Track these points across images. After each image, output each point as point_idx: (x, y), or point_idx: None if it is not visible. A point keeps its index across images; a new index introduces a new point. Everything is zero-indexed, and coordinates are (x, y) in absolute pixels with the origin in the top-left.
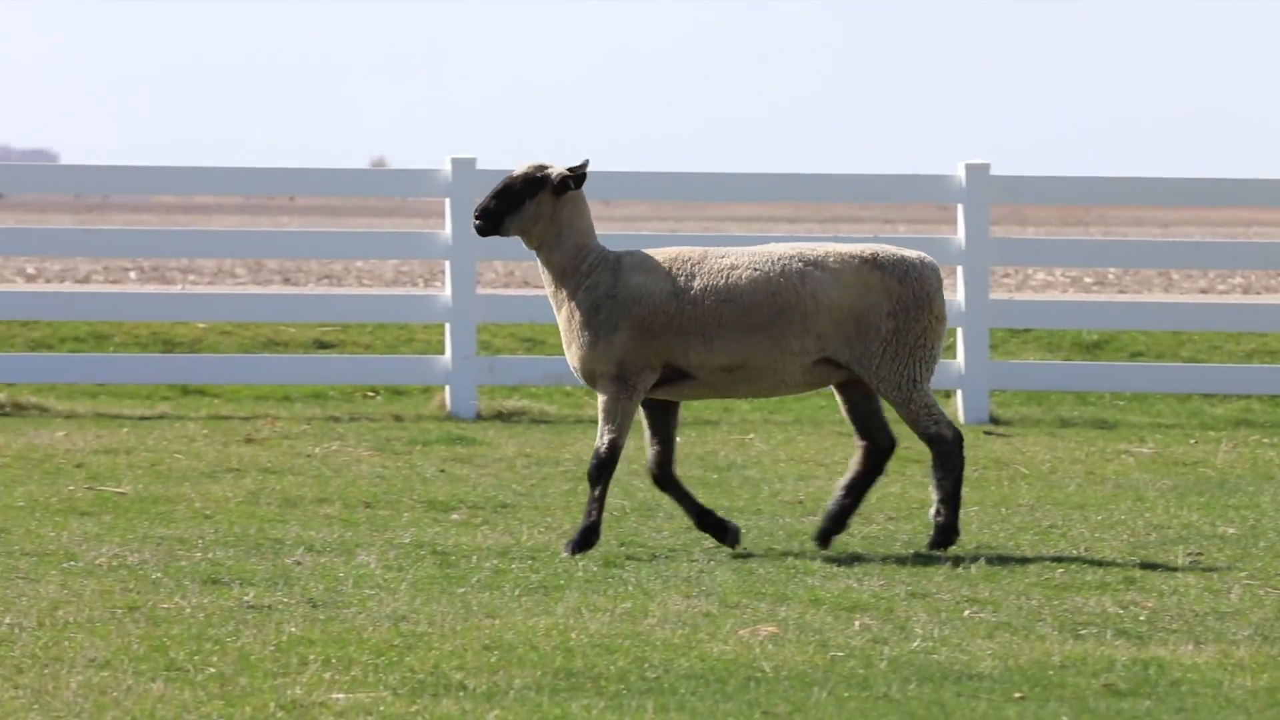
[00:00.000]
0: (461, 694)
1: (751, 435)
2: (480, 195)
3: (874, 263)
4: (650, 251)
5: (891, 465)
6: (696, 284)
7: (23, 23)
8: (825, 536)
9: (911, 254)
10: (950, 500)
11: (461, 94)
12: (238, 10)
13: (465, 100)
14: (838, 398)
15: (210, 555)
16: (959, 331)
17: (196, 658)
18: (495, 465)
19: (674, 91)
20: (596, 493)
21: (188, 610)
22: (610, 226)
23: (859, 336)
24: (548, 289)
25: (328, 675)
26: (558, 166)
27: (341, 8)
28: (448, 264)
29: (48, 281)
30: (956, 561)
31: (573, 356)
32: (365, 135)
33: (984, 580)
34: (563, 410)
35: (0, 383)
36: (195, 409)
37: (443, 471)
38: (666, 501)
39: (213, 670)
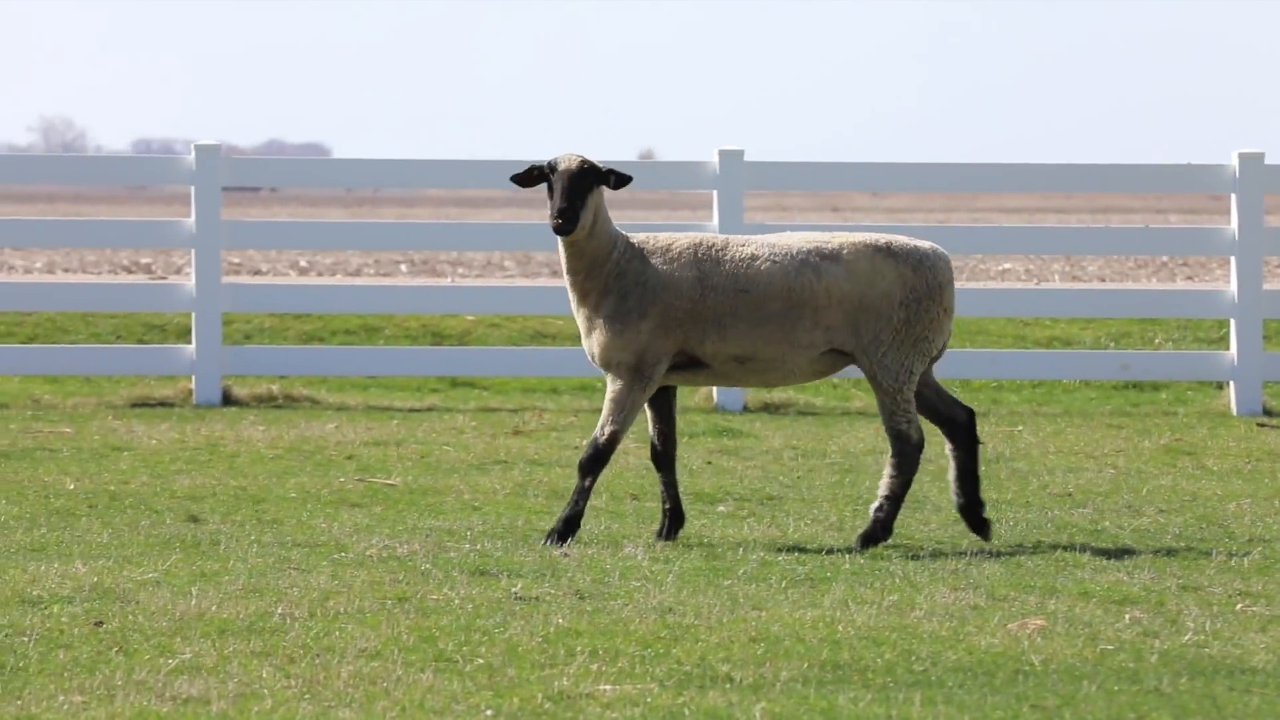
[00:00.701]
0: (728, 686)
1: (1020, 427)
2: (747, 187)
3: (887, 252)
4: (670, 236)
5: (1161, 458)
6: (720, 272)
7: (294, 19)
8: (981, 528)
9: (924, 244)
10: (895, 499)
11: (730, 86)
12: (503, 8)
13: (733, 92)
14: None
15: (478, 547)
16: (1231, 323)
17: (465, 648)
18: (762, 457)
19: (934, 79)
20: (586, 483)
21: (456, 601)
22: (876, 217)
23: (868, 325)
24: (572, 279)
25: (595, 666)
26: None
27: (610, 2)
28: None
29: (320, 275)
30: (1229, 555)
31: (593, 344)
32: (634, 128)
33: (1257, 573)
34: (830, 402)
35: (273, 375)
36: (464, 401)
37: (709, 463)
38: (934, 494)
39: (481, 661)
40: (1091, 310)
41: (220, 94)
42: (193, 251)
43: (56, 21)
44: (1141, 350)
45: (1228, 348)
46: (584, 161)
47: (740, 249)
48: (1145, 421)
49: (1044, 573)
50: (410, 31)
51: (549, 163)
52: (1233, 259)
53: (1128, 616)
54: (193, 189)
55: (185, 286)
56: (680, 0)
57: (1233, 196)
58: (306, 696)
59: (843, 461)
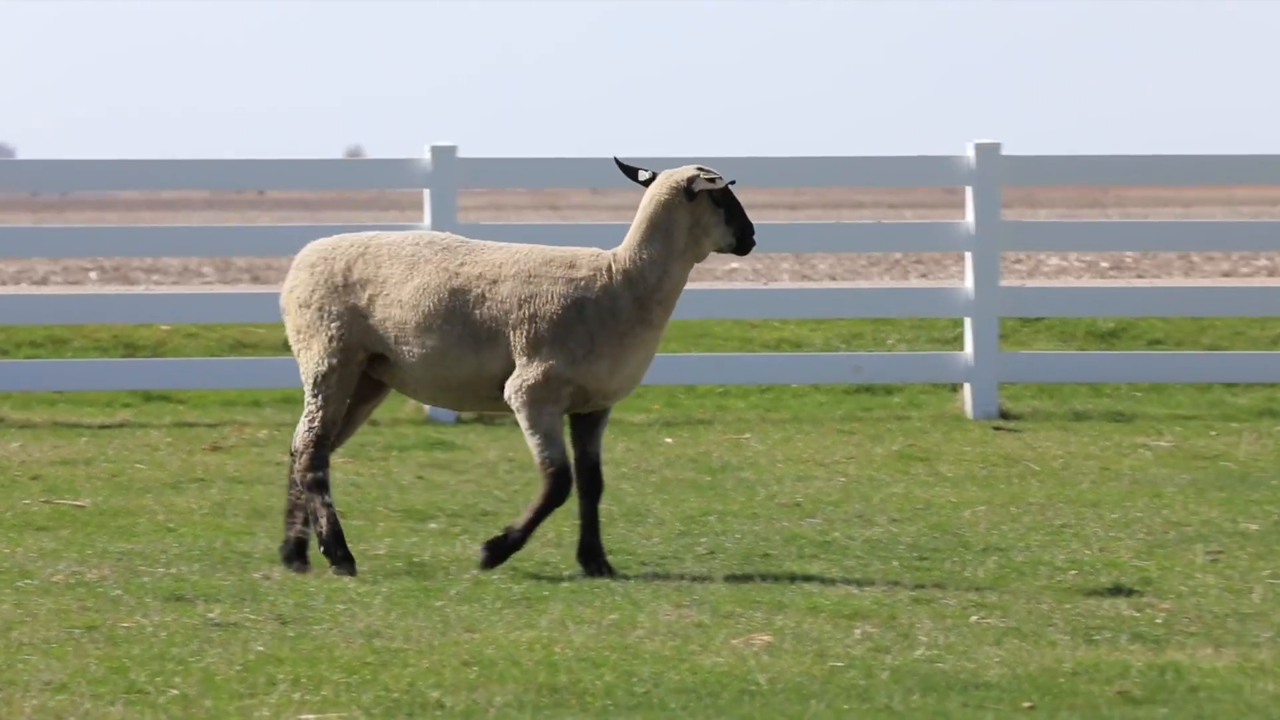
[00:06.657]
0: (439, 713)
1: (748, 435)
2: (461, 185)
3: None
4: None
5: (893, 464)
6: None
7: None
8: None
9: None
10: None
11: (441, 80)
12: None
13: (446, 87)
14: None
15: (173, 570)
16: (967, 322)
17: (158, 679)
18: (476, 471)
19: (643, 66)
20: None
21: (149, 629)
22: (598, 215)
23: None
24: None
25: (297, 695)
26: None
27: None
28: None
29: (2, 284)
30: (963, 564)
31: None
32: (341, 124)
33: (991, 584)
34: None
35: None
36: (158, 416)
37: (420, 478)
38: (656, 506)
39: (175, 692)
40: (821, 310)
41: None
42: None
43: None
44: (874, 352)
45: (963, 348)
46: None
47: (480, 250)
48: (877, 426)
49: (771, 587)
50: (96, 22)
51: (694, 178)
52: (968, 255)
53: (858, 631)
54: None
55: None
56: None
57: (968, 189)
58: None
59: None
